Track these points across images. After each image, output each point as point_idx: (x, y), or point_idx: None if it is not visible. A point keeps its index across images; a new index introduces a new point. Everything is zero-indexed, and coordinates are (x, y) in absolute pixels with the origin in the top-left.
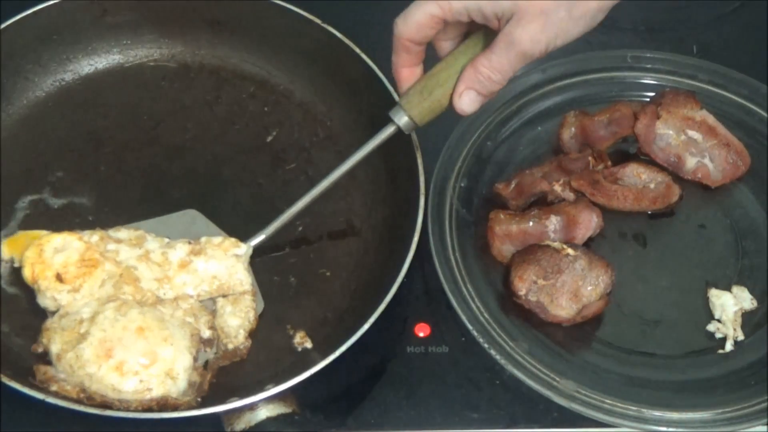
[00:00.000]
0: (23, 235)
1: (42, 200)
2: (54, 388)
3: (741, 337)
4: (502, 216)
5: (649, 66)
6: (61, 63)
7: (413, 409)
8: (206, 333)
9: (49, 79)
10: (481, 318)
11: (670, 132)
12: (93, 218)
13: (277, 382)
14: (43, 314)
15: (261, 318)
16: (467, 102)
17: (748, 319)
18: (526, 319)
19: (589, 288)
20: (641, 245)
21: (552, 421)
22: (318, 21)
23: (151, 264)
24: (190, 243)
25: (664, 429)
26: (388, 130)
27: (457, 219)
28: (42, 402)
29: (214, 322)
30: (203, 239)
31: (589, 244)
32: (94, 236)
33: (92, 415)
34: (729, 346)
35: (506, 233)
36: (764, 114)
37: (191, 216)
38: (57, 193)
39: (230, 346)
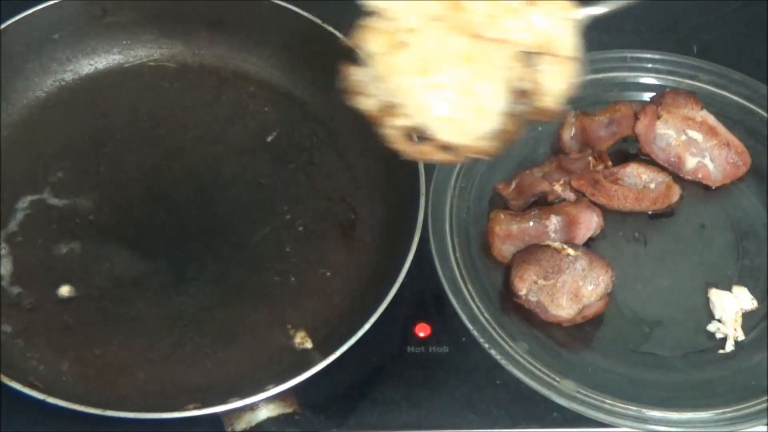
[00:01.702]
0: None
1: (42, 200)
2: (356, 104)
3: (741, 337)
4: (502, 216)
5: (649, 66)
6: (61, 63)
7: (413, 409)
8: (523, 84)
9: (49, 79)
10: (481, 318)
11: (671, 132)
12: (93, 218)
13: (277, 382)
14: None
15: (261, 318)
16: None
17: (748, 319)
18: (526, 319)
19: (590, 288)
20: (641, 245)
21: (552, 421)
22: (318, 21)
23: None
24: None
25: (664, 429)
26: None
27: (457, 219)
28: (42, 402)
29: (533, 76)
30: None
31: (589, 244)
32: None
33: (92, 415)
34: (729, 346)
35: (506, 233)
36: (764, 114)
37: None
38: (57, 193)
39: (542, 105)
